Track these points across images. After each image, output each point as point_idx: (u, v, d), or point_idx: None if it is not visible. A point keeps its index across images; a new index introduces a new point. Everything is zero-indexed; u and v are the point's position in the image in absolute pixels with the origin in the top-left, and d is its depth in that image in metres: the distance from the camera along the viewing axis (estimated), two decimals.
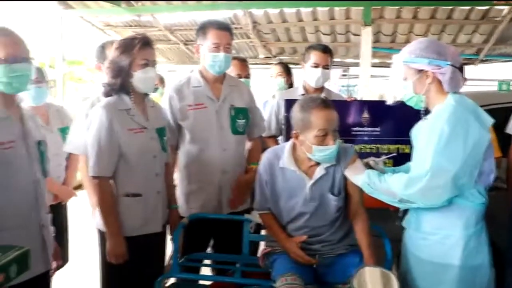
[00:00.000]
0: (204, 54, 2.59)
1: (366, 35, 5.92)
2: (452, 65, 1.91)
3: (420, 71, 1.95)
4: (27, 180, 1.92)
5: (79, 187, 4.03)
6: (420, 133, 2.01)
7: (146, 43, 2.24)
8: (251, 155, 2.79)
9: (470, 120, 1.84)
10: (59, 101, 6.25)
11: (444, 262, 1.90)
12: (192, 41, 8.32)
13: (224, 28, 2.60)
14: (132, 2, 6.66)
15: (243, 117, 2.67)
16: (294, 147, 2.25)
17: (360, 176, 2.10)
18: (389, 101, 2.21)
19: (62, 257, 3.12)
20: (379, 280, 1.80)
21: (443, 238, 1.91)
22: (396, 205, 2.00)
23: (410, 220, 2.08)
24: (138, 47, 2.20)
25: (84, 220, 3.39)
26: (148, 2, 6.72)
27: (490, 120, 1.92)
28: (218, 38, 2.55)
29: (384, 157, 2.41)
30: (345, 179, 2.22)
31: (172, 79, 6.30)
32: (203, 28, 2.60)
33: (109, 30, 8.09)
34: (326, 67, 3.12)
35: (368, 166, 2.17)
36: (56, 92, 6.96)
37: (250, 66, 3.74)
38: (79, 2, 6.77)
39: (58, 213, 3.13)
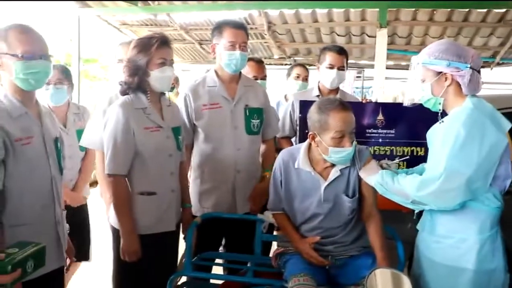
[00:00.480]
0: (220, 53, 2.60)
1: (382, 37, 5.88)
2: (471, 68, 1.89)
3: (439, 73, 1.93)
4: (44, 176, 1.94)
5: (95, 183, 4.07)
6: (435, 135, 2.00)
7: (163, 42, 2.26)
8: (265, 160, 2.79)
9: (487, 124, 1.82)
10: (75, 99, 6.29)
11: (459, 266, 1.89)
12: (207, 40, 8.36)
13: (240, 27, 2.62)
14: (149, 1, 6.71)
15: (258, 117, 2.68)
16: (309, 148, 2.25)
17: (373, 177, 2.10)
18: (406, 103, 2.20)
19: (84, 255, 3.15)
20: (390, 281, 1.80)
21: (458, 241, 1.90)
22: (409, 206, 1.99)
23: (424, 223, 2.07)
24: (155, 46, 2.21)
25: (98, 217, 3.43)
26: (164, 2, 6.76)
27: (508, 125, 1.90)
28: (234, 37, 2.56)
29: (397, 159, 2.42)
30: (359, 180, 2.22)
31: (186, 78, 6.34)
32: (219, 27, 2.62)
33: (125, 29, 8.15)
34: (341, 68, 3.10)
35: (381, 168, 2.17)
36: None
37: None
38: (97, 1, 6.83)
39: (79, 211, 3.17)
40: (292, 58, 9.24)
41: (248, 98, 2.69)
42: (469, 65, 1.89)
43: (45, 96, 3.03)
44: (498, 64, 8.65)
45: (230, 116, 2.62)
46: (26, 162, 1.84)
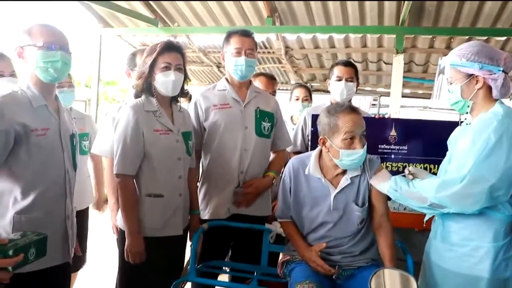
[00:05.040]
0: (228, 60, 2.64)
1: (398, 62, 5.88)
2: (503, 71, 1.85)
3: (470, 75, 1.89)
4: (58, 169, 1.97)
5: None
6: (461, 138, 1.94)
7: (167, 47, 2.28)
8: (272, 164, 2.75)
9: None
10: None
11: (473, 274, 1.82)
12: None
13: (246, 34, 2.64)
14: (168, 22, 6.83)
15: (269, 121, 2.67)
16: (320, 156, 2.23)
17: (386, 183, 2.05)
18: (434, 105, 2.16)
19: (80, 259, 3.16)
20: (398, 282, 1.73)
21: (472, 250, 1.83)
22: (425, 211, 1.93)
23: (436, 231, 2.01)
24: (158, 51, 2.25)
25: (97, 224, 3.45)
26: (183, 23, 6.87)
27: None
28: (240, 43, 2.60)
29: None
30: (370, 190, 2.18)
31: None
32: (227, 37, 2.67)
33: None
34: (349, 79, 3.06)
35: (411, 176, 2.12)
36: (90, 111, 7.15)
37: (281, 91, 3.69)
38: (117, 21, 6.98)
39: (80, 218, 3.18)
40: (309, 84, 9.25)
41: (258, 102, 2.68)
42: (501, 68, 1.85)
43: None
44: None
45: (241, 116, 2.61)
46: (39, 152, 1.88)
